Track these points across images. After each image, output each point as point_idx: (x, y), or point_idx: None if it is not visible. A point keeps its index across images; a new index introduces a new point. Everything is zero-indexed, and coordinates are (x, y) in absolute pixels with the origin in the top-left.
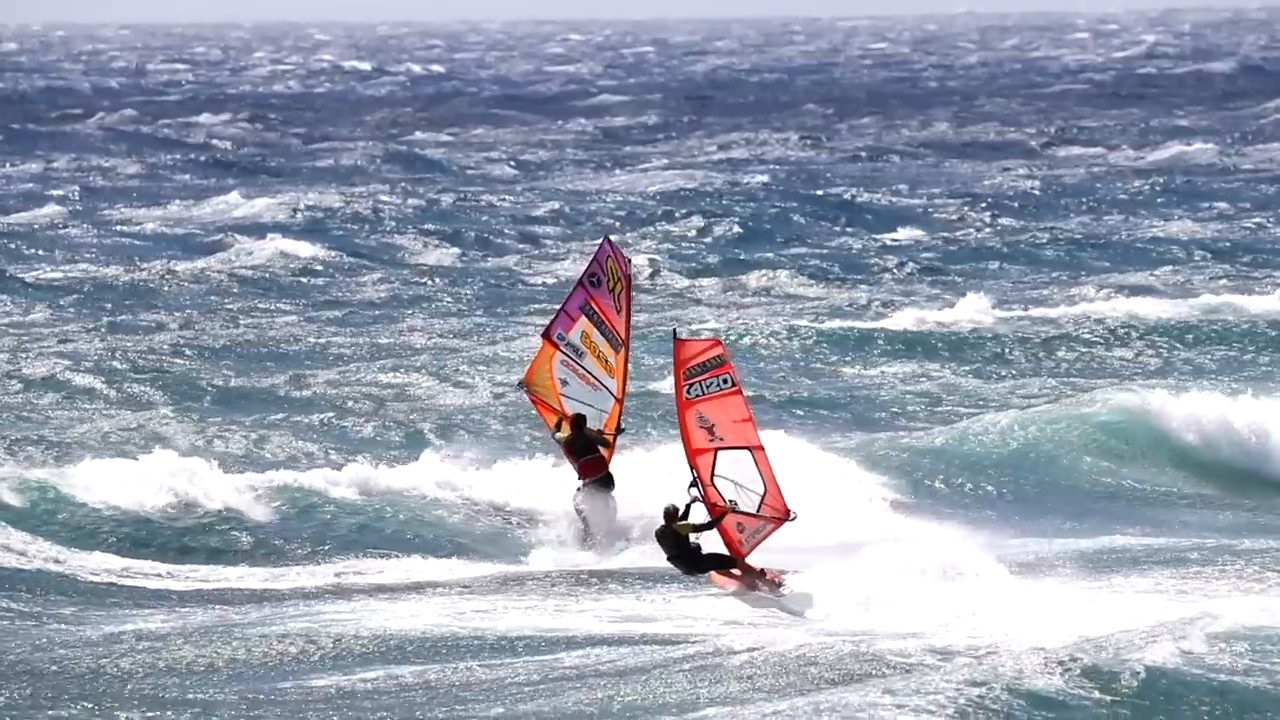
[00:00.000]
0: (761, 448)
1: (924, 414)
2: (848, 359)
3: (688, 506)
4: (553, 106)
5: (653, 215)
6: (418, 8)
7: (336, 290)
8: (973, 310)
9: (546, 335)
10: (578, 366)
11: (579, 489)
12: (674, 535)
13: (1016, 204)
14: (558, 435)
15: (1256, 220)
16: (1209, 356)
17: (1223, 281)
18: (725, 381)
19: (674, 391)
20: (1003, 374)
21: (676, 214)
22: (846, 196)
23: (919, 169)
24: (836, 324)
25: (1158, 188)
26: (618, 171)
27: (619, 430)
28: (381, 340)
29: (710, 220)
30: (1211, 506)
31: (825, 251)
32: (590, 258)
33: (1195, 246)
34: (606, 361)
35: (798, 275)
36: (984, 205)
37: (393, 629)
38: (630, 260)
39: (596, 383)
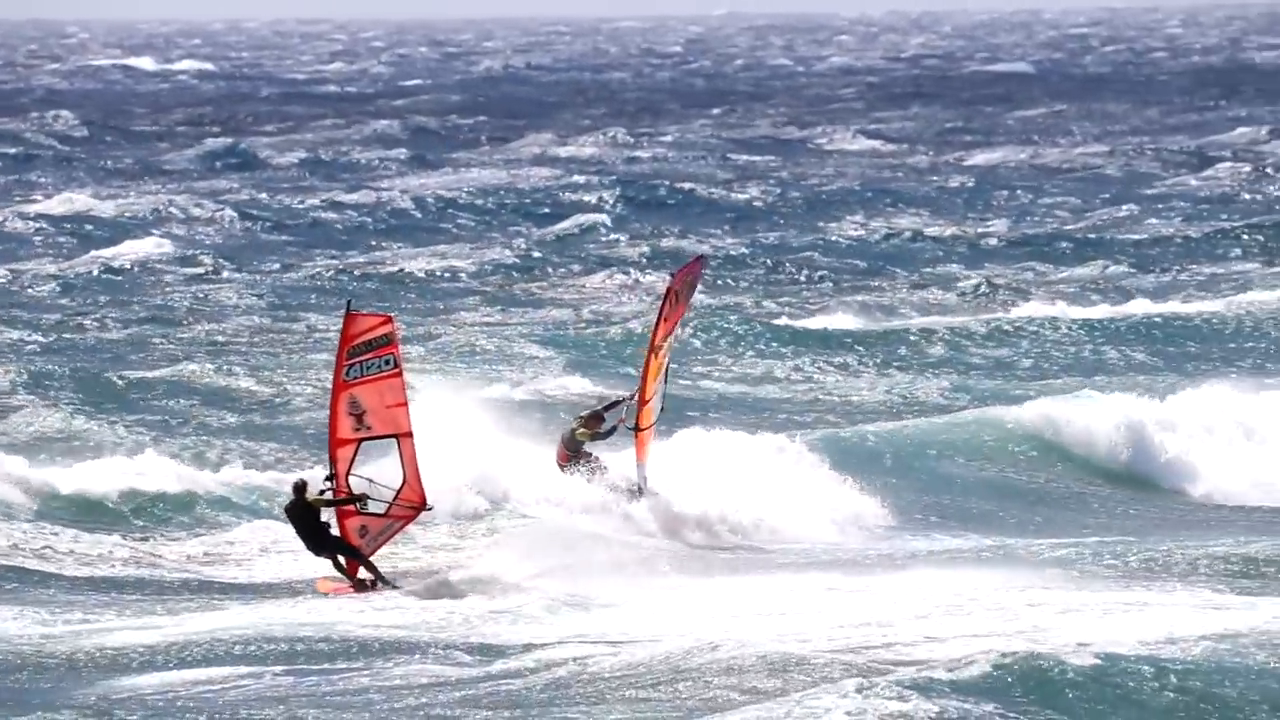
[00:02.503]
0: (410, 434)
1: (813, 417)
2: (719, 357)
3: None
4: (352, 105)
5: (483, 210)
6: (179, 5)
7: (153, 290)
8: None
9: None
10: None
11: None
12: (302, 510)
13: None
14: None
15: (1055, 221)
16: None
17: (1059, 287)
18: (388, 363)
19: (334, 370)
20: (858, 381)
21: (503, 210)
22: (693, 190)
23: (746, 166)
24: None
25: (973, 186)
26: (444, 169)
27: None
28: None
29: (536, 218)
30: (1085, 508)
31: (660, 248)
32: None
33: (1016, 245)
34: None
35: (630, 274)
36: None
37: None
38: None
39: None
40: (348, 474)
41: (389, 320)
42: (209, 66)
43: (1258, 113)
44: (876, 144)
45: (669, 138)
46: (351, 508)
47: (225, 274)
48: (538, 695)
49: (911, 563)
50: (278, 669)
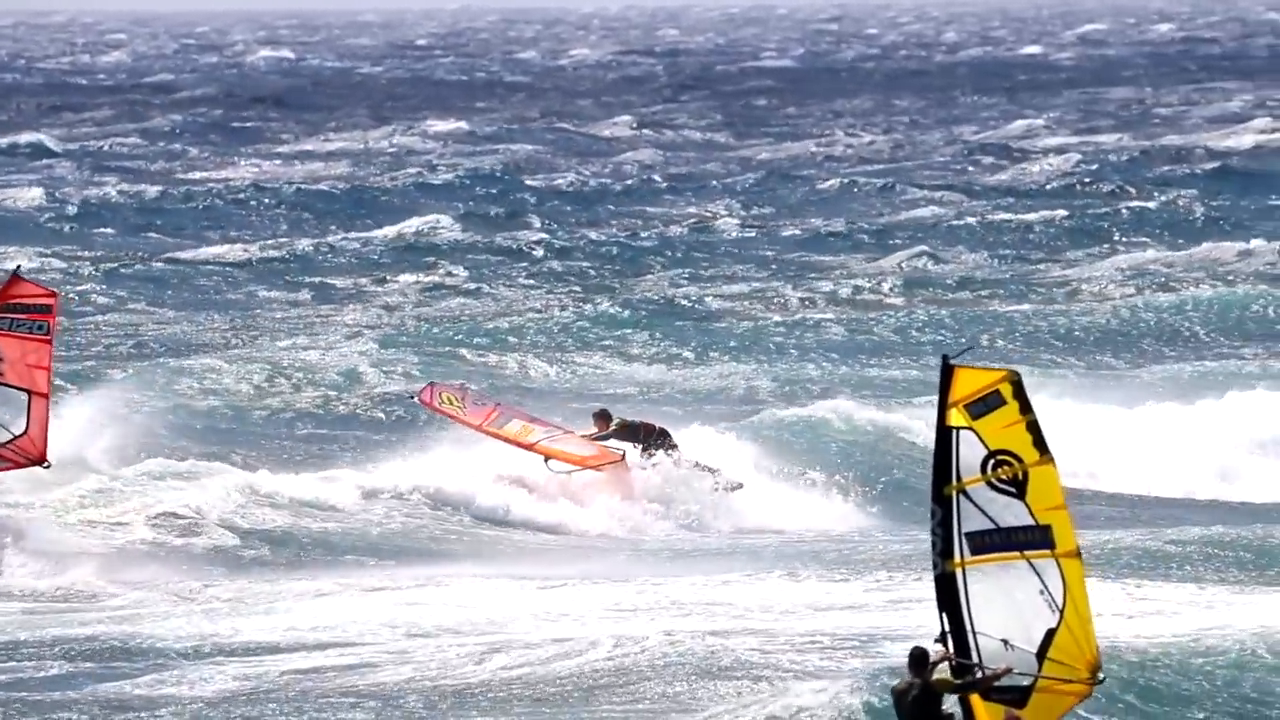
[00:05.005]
0: (46, 396)
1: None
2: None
3: None
4: (113, 96)
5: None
6: None
7: None
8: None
9: None
10: None
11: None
12: None
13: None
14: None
15: (851, 215)
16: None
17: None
18: (40, 328)
19: None
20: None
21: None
22: (563, 184)
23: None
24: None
25: (760, 179)
26: (236, 161)
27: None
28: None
29: (382, 211)
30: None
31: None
32: None
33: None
34: None
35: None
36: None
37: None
38: None
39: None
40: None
41: (53, 295)
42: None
43: (1031, 106)
44: (666, 134)
45: (444, 128)
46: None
47: None
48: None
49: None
50: None
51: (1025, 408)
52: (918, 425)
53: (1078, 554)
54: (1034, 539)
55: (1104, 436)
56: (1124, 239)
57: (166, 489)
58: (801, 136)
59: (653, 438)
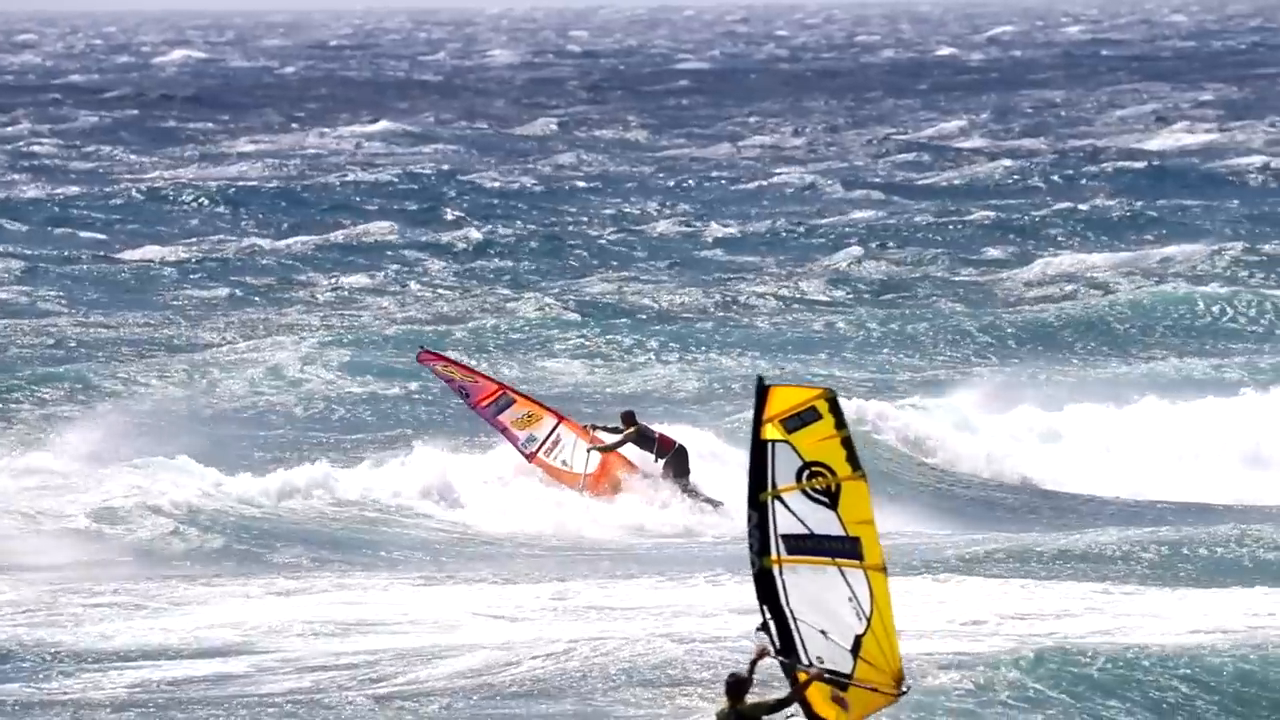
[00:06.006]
0: None
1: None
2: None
3: None
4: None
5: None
6: None
7: None
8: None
9: None
10: None
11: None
12: None
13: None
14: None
15: (785, 216)
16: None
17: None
18: None
19: None
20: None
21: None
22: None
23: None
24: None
25: (692, 182)
26: (193, 160)
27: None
28: None
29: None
30: None
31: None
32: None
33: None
34: None
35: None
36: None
37: None
38: None
39: None
40: None
41: None
42: None
43: (947, 107)
44: (584, 135)
45: (363, 129)
46: None
47: None
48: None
49: None
50: None
51: (840, 424)
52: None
53: (884, 569)
54: (845, 549)
55: (1027, 437)
56: (1046, 239)
57: (77, 489)
58: (722, 138)
59: (668, 454)
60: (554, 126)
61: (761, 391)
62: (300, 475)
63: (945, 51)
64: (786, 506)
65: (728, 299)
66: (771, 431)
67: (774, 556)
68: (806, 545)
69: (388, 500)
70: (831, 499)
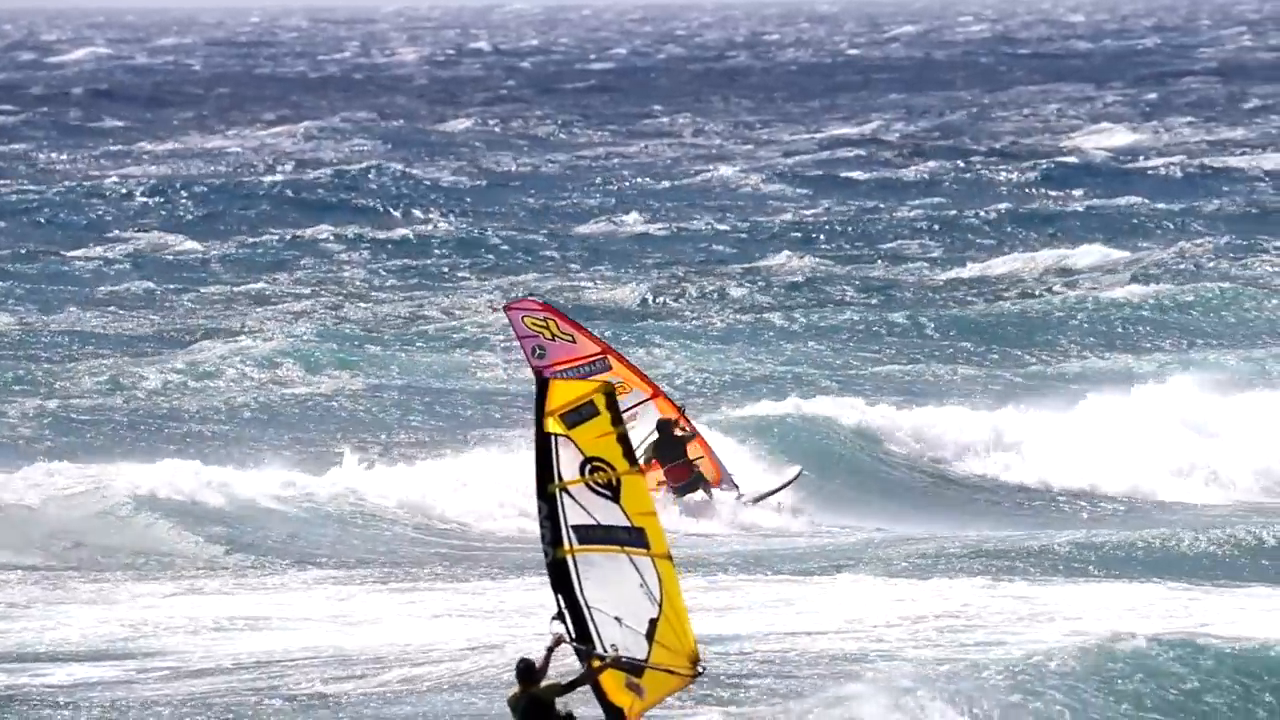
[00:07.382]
0: None
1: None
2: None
3: None
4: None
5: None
6: None
7: None
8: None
9: None
10: None
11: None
12: None
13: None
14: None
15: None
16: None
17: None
18: None
19: None
20: None
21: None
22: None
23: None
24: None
25: (628, 181)
26: (113, 159)
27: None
28: None
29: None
30: None
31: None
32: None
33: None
34: None
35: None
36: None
37: None
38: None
39: None
40: None
41: None
42: None
43: (857, 109)
44: (500, 133)
45: (284, 127)
46: None
47: None
48: None
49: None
50: None
51: (617, 419)
52: (781, 423)
53: (669, 557)
54: (631, 539)
55: (962, 437)
56: (976, 239)
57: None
58: (637, 135)
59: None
60: (469, 124)
61: (542, 385)
62: (258, 476)
63: (853, 51)
64: (574, 499)
65: (650, 294)
66: (553, 425)
67: (566, 547)
68: (596, 535)
69: (321, 495)
70: (614, 492)
